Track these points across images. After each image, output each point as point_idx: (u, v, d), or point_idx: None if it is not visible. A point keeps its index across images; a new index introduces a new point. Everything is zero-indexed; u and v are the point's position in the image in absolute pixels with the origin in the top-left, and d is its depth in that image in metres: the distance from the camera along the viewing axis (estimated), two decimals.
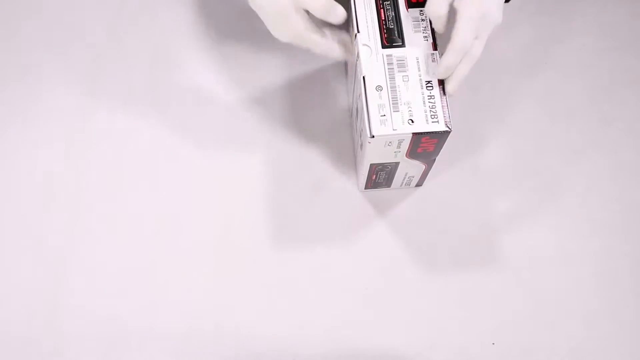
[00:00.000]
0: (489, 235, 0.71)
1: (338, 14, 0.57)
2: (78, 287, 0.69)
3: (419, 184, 0.72)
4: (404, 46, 0.59)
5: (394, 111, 0.56)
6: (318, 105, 0.76)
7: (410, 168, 0.65)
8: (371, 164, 0.63)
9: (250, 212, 0.72)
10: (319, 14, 0.56)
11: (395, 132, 0.56)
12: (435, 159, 0.64)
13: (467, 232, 0.71)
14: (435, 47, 0.58)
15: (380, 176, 0.67)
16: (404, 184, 0.70)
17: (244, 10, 0.80)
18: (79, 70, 0.78)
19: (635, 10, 0.81)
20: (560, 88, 0.77)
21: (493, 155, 0.74)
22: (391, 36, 0.59)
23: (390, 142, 0.57)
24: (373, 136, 0.56)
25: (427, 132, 0.56)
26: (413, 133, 0.56)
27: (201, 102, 0.77)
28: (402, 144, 0.58)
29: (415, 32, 0.59)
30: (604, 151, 0.74)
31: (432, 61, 0.58)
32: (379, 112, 0.56)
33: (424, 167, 0.65)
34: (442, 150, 0.61)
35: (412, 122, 0.56)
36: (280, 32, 0.58)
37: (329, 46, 0.60)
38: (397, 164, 0.63)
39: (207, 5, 0.81)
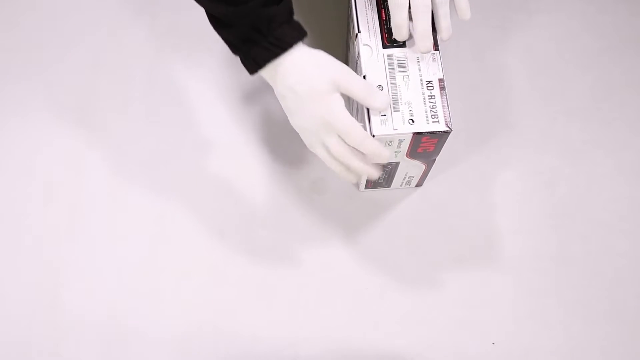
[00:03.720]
0: (488, 235, 0.71)
1: (381, 100, 0.55)
2: (78, 288, 0.69)
3: (419, 184, 0.72)
4: (405, 46, 0.59)
5: (394, 111, 0.56)
6: None
7: (411, 168, 0.65)
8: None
9: (250, 213, 0.72)
10: (360, 97, 0.55)
11: (395, 131, 0.56)
12: (435, 159, 0.64)
13: (467, 232, 0.71)
14: (436, 47, 0.58)
15: (380, 176, 0.67)
16: (404, 183, 0.70)
17: None
18: (79, 70, 0.78)
19: (634, 10, 0.81)
20: (560, 88, 0.77)
21: (493, 156, 0.74)
22: (392, 36, 0.59)
23: (390, 142, 0.57)
24: (374, 136, 0.56)
25: (427, 132, 0.56)
26: (413, 133, 0.56)
27: (201, 103, 0.77)
28: (402, 143, 0.58)
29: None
30: (604, 151, 0.74)
31: (433, 61, 0.58)
32: (380, 112, 0.56)
33: (424, 167, 0.65)
34: (442, 150, 0.61)
35: (413, 121, 0.56)
36: (308, 114, 0.55)
37: (366, 133, 0.55)
38: (397, 163, 0.63)
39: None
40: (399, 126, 0.56)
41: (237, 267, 0.70)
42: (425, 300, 0.68)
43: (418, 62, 0.58)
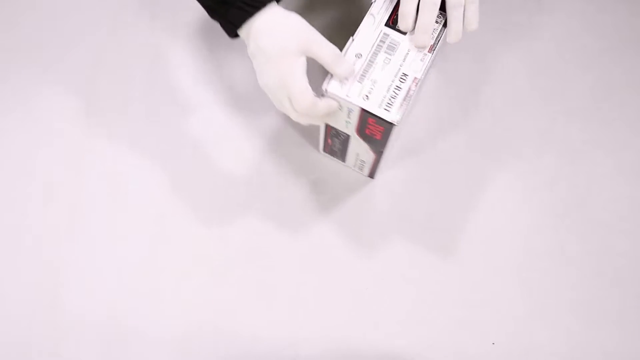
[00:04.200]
0: (489, 235, 0.71)
1: (345, 67, 0.56)
2: (78, 288, 0.69)
3: (370, 175, 0.72)
4: (405, 34, 0.59)
5: (357, 81, 0.57)
6: None
7: (361, 150, 0.65)
8: (326, 124, 0.63)
9: (250, 212, 0.72)
10: (326, 62, 0.55)
11: (346, 98, 0.56)
12: (382, 152, 0.63)
13: (467, 231, 0.71)
14: (431, 50, 0.58)
15: (335, 143, 0.67)
16: (356, 166, 0.71)
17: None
18: (79, 70, 0.78)
19: (634, 10, 0.81)
20: (560, 88, 0.77)
21: (493, 155, 0.74)
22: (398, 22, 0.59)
23: (341, 107, 0.58)
24: (326, 91, 0.56)
25: (373, 114, 0.56)
26: (361, 108, 0.56)
27: (201, 102, 0.77)
28: (351, 115, 0.58)
29: None
30: (604, 151, 0.74)
31: (420, 60, 0.58)
32: (341, 79, 0.56)
33: (373, 155, 0.65)
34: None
35: (367, 98, 0.56)
36: (271, 73, 0.56)
37: (313, 101, 0.56)
38: (348, 137, 0.64)
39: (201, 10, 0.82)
40: (352, 95, 0.56)
41: (237, 267, 0.70)
42: (425, 300, 0.68)
43: (407, 54, 0.58)
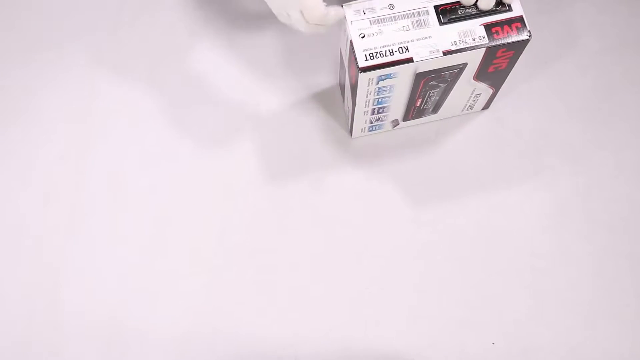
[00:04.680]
0: (488, 236, 0.71)
1: None
2: (78, 288, 0.69)
3: (350, 130, 0.73)
4: (441, 25, 0.59)
5: (368, 20, 0.58)
6: (314, 107, 0.76)
7: (347, 94, 0.67)
8: (341, 55, 0.66)
9: (250, 213, 0.72)
10: None
11: (347, 20, 0.58)
12: (355, 103, 0.65)
13: (467, 232, 0.71)
14: (447, 54, 0.59)
15: (342, 76, 0.69)
16: (345, 112, 0.73)
17: (241, 11, 0.80)
18: (79, 70, 0.78)
19: (635, 10, 0.81)
20: (560, 88, 0.77)
21: (492, 156, 0.74)
22: (453, 15, 0.59)
23: (345, 30, 0.60)
24: (342, 6, 0.59)
25: (353, 51, 0.58)
26: (350, 40, 0.58)
27: (200, 101, 0.77)
28: (347, 43, 0.60)
29: (461, 34, 0.59)
30: (604, 151, 0.74)
31: (429, 51, 0.58)
32: (368, 8, 0.58)
33: (351, 104, 0.67)
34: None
35: (362, 37, 0.58)
36: None
37: (325, 11, 0.58)
38: (345, 72, 0.66)
39: (205, 6, 0.81)
40: (353, 24, 0.58)
41: (237, 267, 0.70)
42: (425, 300, 0.68)
43: (426, 38, 0.58)
